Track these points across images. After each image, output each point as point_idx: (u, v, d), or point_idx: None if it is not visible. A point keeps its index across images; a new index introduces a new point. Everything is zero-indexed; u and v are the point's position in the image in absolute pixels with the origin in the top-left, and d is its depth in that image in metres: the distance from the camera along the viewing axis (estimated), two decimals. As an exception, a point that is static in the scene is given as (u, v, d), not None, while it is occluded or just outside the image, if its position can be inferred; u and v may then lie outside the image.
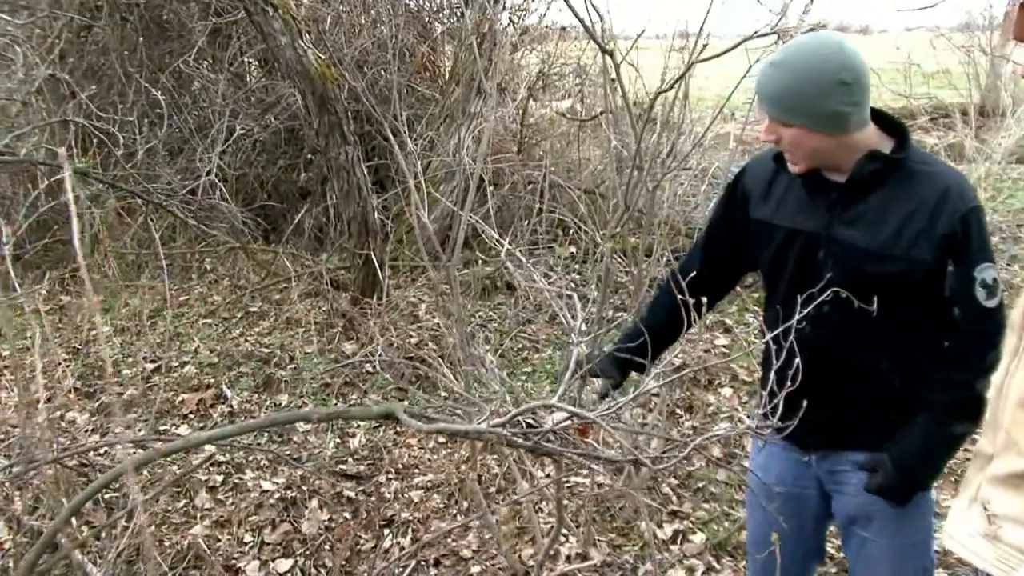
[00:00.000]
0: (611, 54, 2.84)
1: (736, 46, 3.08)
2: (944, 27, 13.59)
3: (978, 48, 12.89)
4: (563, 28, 8.26)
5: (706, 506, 4.04)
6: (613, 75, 3.12)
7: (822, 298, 2.04)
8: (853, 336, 2.18)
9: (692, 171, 6.88)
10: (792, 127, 2.11)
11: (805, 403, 1.90)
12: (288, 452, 4.60)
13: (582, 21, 3.71)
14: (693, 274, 2.34)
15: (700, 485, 4.19)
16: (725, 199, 2.52)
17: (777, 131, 2.14)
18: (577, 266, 6.37)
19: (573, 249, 6.56)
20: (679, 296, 2.01)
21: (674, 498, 4.07)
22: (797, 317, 1.95)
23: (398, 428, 4.78)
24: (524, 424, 1.43)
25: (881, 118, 2.20)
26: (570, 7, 4.45)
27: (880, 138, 2.17)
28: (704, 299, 1.98)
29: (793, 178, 2.27)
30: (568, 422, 1.44)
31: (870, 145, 2.15)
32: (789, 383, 1.84)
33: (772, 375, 1.91)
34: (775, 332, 1.99)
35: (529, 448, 1.46)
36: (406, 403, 4.85)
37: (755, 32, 3.25)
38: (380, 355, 5.28)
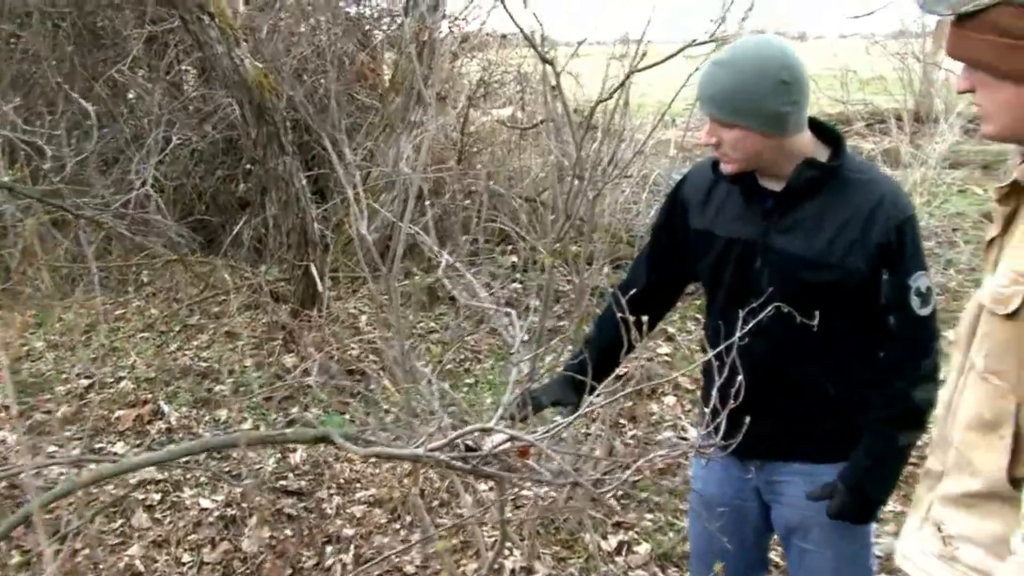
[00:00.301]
0: (551, 63, 2.82)
1: (675, 55, 3.09)
2: (879, 34, 13.85)
3: (912, 55, 13.15)
4: (504, 36, 8.26)
5: (650, 516, 4.04)
6: (554, 83, 3.11)
7: (764, 313, 2.04)
8: (791, 346, 2.17)
9: (633, 178, 6.91)
10: (734, 128, 2.10)
11: (748, 418, 1.89)
12: (227, 469, 4.51)
13: (522, 30, 3.69)
14: (636, 290, 2.33)
15: (644, 496, 4.18)
16: (666, 209, 2.52)
17: (718, 133, 2.13)
18: (519, 275, 6.35)
19: (515, 258, 6.54)
20: (620, 315, 1.99)
21: (619, 509, 4.06)
22: (739, 332, 1.95)
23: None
24: (463, 447, 1.40)
25: (817, 126, 2.21)
26: (510, 16, 4.43)
27: (816, 146, 2.19)
28: (645, 317, 1.96)
29: (729, 188, 2.27)
30: (508, 444, 1.41)
31: (806, 152, 2.15)
32: (732, 400, 1.84)
33: (715, 391, 1.90)
34: (717, 349, 1.98)
35: (468, 471, 1.43)
36: (344, 425, 4.80)
37: (694, 40, 3.26)
38: (320, 368, 5.21)
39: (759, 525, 2.47)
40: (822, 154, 2.18)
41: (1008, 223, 1.60)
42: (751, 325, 1.97)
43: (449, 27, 7.48)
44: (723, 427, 1.74)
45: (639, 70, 3.08)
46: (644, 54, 3.20)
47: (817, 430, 2.27)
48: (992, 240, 1.65)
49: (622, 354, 2.04)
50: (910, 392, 2.16)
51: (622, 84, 3.08)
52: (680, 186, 2.46)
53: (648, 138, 5.75)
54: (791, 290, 2.13)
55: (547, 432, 1.42)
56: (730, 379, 1.88)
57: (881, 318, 2.14)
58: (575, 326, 4.03)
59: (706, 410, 1.70)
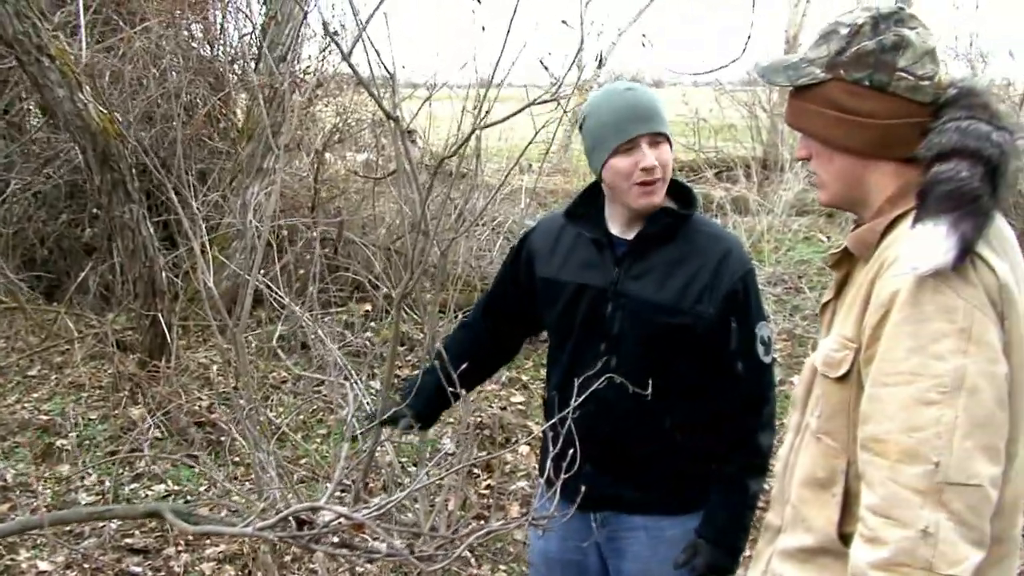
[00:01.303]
0: (396, 119, 2.84)
1: (519, 111, 3.15)
2: (730, 81, 14.38)
3: (759, 105, 13.69)
4: (359, 81, 8.23)
5: (504, 568, 4.07)
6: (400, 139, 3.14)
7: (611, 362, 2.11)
8: (639, 394, 2.19)
9: (487, 226, 6.98)
10: (665, 142, 2.21)
11: (590, 468, 1.94)
12: (68, 528, 4.34)
13: (368, 88, 3.72)
14: (470, 333, 2.38)
15: (499, 545, 4.21)
16: (510, 260, 2.57)
17: (655, 153, 2.18)
18: (373, 324, 6.33)
19: (369, 307, 6.52)
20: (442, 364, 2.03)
21: (473, 560, 4.07)
22: (593, 376, 2.00)
23: (187, 497, 4.61)
24: (294, 524, 1.42)
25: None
26: (355, 73, 4.45)
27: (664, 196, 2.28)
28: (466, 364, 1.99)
29: (579, 234, 2.34)
30: (341, 520, 1.43)
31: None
32: (575, 447, 1.88)
33: (554, 441, 1.94)
34: (565, 396, 2.02)
35: (301, 547, 1.44)
36: (172, 503, 4.69)
37: (537, 98, 3.32)
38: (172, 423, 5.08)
39: None
40: (670, 203, 2.29)
41: (841, 288, 1.69)
42: (603, 372, 2.04)
43: (302, 75, 7.44)
44: (564, 474, 1.78)
45: (484, 127, 3.15)
46: (488, 111, 3.27)
47: (661, 480, 2.32)
48: (827, 303, 1.74)
49: (475, 367, 2.05)
50: (756, 437, 2.27)
51: (467, 140, 3.13)
52: (527, 237, 2.52)
53: (501, 186, 5.85)
54: (644, 334, 2.22)
55: (379, 508, 1.45)
56: (574, 429, 1.93)
57: (730, 364, 2.23)
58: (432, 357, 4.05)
59: (540, 480, 1.74)
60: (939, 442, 1.38)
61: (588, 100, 2.34)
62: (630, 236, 2.28)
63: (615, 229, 2.31)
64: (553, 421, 1.95)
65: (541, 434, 2.38)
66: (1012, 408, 1.45)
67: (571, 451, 1.90)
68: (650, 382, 2.13)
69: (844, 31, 1.59)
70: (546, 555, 2.47)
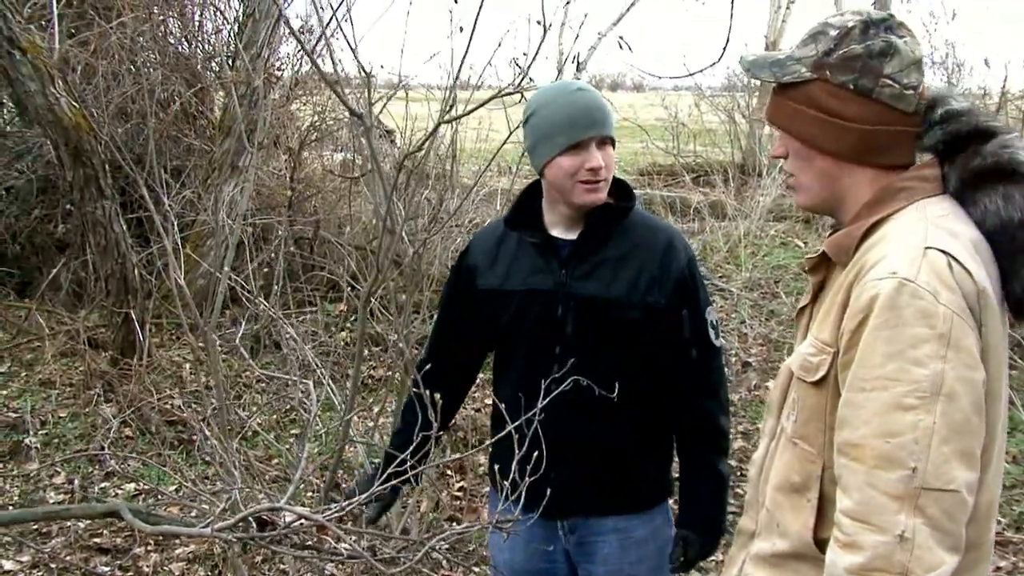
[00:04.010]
0: (360, 117, 2.81)
1: (480, 106, 3.14)
2: (710, 86, 14.45)
3: (738, 110, 13.74)
4: (337, 80, 8.20)
5: (476, 571, 4.05)
6: (384, 132, 3.14)
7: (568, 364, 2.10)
8: (602, 392, 2.17)
9: (465, 227, 6.96)
10: (611, 144, 2.21)
11: (554, 474, 1.92)
12: (35, 526, 4.29)
13: (332, 86, 3.71)
14: (432, 366, 2.36)
15: (472, 547, 4.20)
16: (451, 280, 2.54)
17: (607, 155, 2.19)
18: (348, 324, 6.30)
19: (344, 306, 6.49)
20: (416, 390, 2.01)
21: (444, 563, 4.05)
22: (553, 380, 1.99)
23: (158, 497, 4.57)
24: (254, 525, 1.40)
25: None
26: (319, 71, 4.43)
27: None
28: (439, 395, 1.95)
29: (520, 241, 2.33)
30: (302, 521, 1.41)
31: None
32: (544, 458, 1.86)
33: (519, 449, 1.92)
34: (520, 404, 2.01)
35: (262, 548, 1.42)
36: (131, 503, 4.64)
37: (499, 92, 3.29)
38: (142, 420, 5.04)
39: None
40: (608, 199, 2.28)
41: (818, 292, 1.69)
42: (562, 373, 2.03)
43: (277, 72, 7.40)
44: (522, 495, 1.76)
45: (446, 121, 3.13)
46: (451, 107, 3.26)
47: (628, 479, 2.33)
48: (803, 308, 1.74)
49: (435, 432, 2.02)
50: (718, 420, 2.31)
51: (430, 135, 3.11)
52: (464, 255, 2.49)
53: (475, 186, 5.83)
54: (599, 332, 2.22)
55: (342, 508, 1.43)
56: (540, 434, 1.91)
57: (684, 351, 2.25)
58: (401, 376, 4.03)
59: (505, 483, 1.71)
60: (916, 447, 1.37)
61: (534, 96, 2.30)
62: (573, 236, 2.27)
63: (556, 231, 2.30)
64: (510, 429, 1.90)
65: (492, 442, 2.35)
66: (987, 415, 1.45)
67: (532, 457, 1.87)
68: (611, 379, 2.12)
69: (833, 32, 1.58)
70: (512, 567, 2.43)
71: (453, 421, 2.75)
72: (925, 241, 1.45)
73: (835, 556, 1.45)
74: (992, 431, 1.48)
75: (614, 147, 2.23)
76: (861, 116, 1.56)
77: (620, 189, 2.32)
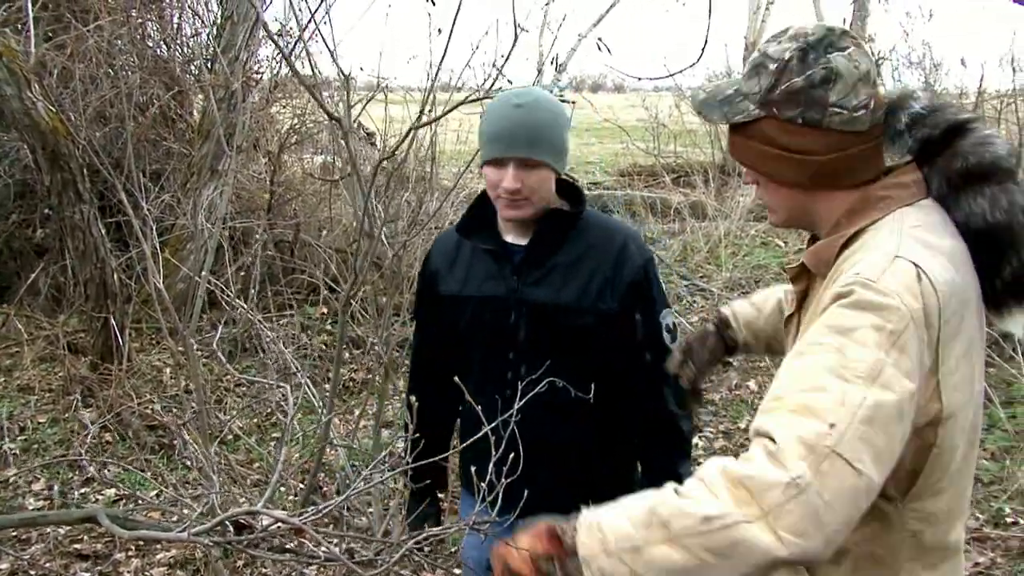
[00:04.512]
0: (338, 120, 2.82)
1: (452, 109, 3.15)
2: (690, 87, 14.44)
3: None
4: (315, 83, 8.18)
5: (458, 572, 4.04)
6: (364, 135, 3.14)
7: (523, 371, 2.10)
8: (551, 397, 2.13)
9: (444, 230, 6.94)
10: (539, 167, 2.14)
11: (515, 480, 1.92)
12: (14, 533, 4.27)
13: (308, 88, 3.70)
14: (421, 376, 2.36)
15: (453, 549, 4.19)
16: (418, 291, 2.55)
17: (521, 177, 2.13)
18: (329, 326, 6.29)
19: (324, 309, 6.48)
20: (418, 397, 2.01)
21: (426, 565, 4.04)
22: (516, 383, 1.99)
23: (138, 502, 4.54)
24: (232, 529, 1.40)
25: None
26: (295, 74, 4.43)
27: (555, 196, 2.27)
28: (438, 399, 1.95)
29: (474, 248, 2.32)
30: (279, 524, 1.41)
31: (553, 202, 2.25)
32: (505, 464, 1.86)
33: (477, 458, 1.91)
34: (478, 408, 2.01)
35: (239, 551, 1.42)
36: (110, 508, 4.62)
37: (469, 95, 3.30)
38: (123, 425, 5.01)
39: None
40: (562, 204, 2.28)
41: (802, 301, 1.69)
42: (515, 380, 2.03)
43: (256, 75, 7.38)
44: (493, 499, 1.76)
45: (420, 125, 3.14)
46: (429, 110, 3.26)
47: (587, 483, 2.25)
48: (791, 316, 1.73)
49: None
50: (678, 421, 2.29)
51: (404, 138, 3.12)
52: (426, 262, 2.49)
53: (455, 187, 5.83)
54: (550, 338, 2.21)
55: (319, 511, 1.43)
56: (497, 436, 1.90)
57: (638, 355, 2.24)
58: (382, 377, 4.03)
59: (482, 484, 1.70)
60: (840, 409, 1.29)
61: (491, 101, 2.29)
62: (525, 242, 2.27)
63: (509, 236, 2.30)
64: (476, 437, 1.90)
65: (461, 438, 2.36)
66: (957, 425, 1.45)
67: (490, 464, 1.86)
68: (566, 386, 2.11)
69: (772, 66, 1.55)
70: (481, 563, 2.44)
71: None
72: (897, 251, 1.43)
73: (724, 459, 1.37)
74: (967, 440, 1.49)
75: (554, 170, 2.19)
76: (816, 148, 1.54)
77: (571, 193, 2.32)
